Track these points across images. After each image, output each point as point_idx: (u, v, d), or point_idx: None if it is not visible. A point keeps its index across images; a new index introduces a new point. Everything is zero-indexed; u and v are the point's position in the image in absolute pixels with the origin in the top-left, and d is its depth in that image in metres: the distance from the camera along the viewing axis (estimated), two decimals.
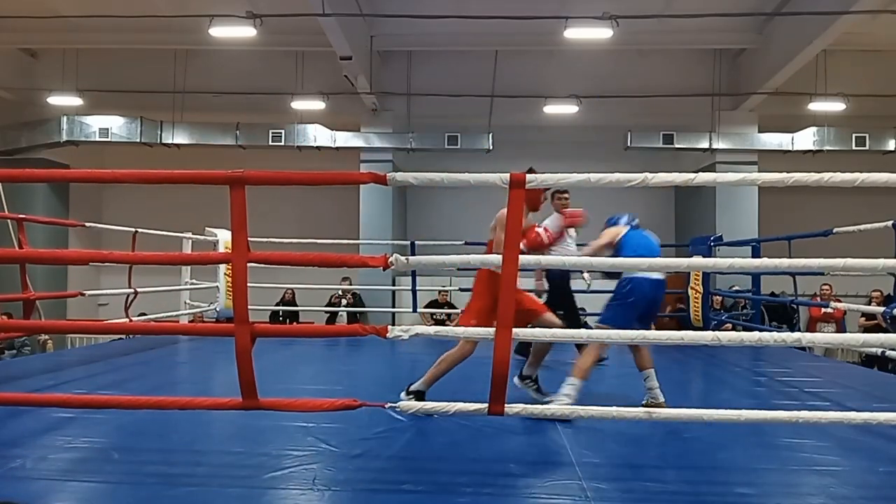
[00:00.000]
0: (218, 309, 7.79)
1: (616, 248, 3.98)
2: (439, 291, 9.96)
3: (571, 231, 5.48)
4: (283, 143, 11.57)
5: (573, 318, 5.73)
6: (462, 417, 2.68)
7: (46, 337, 9.01)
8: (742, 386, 5.07)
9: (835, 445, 3.14)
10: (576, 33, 9.09)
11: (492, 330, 2.55)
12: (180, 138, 11.60)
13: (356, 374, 5.53)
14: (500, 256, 2.58)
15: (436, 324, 9.38)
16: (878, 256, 2.70)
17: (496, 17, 9.03)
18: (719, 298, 9.82)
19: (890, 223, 4.78)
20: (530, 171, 3.00)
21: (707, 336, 2.64)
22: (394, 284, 11.13)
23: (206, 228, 7.85)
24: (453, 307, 10.06)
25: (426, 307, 9.71)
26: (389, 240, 10.96)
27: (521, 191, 2.53)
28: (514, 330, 2.56)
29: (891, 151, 11.04)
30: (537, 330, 2.86)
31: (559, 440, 3.17)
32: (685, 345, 5.72)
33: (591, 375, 3.78)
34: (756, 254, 7.77)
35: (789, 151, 11.32)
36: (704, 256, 8.02)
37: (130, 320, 6.33)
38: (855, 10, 7.98)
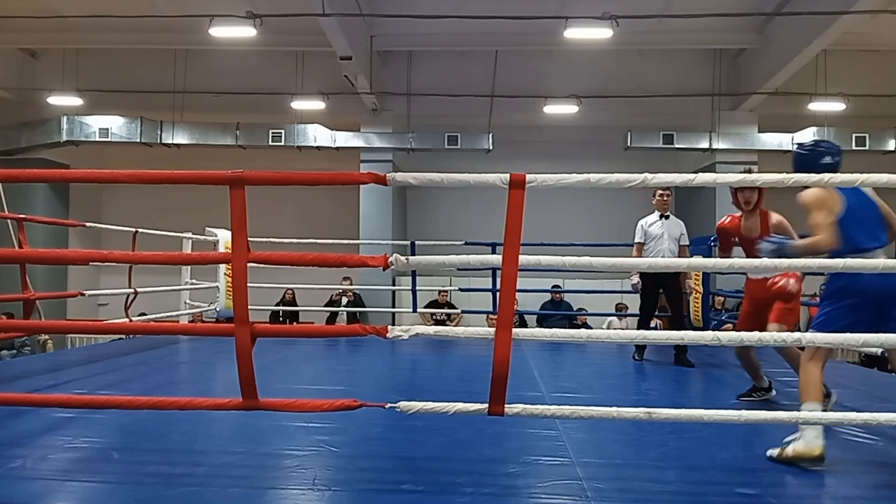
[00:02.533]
0: (218, 309, 7.78)
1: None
2: (439, 292, 9.96)
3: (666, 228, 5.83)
4: (283, 143, 11.57)
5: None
6: (462, 417, 2.67)
7: (46, 337, 9.02)
8: (742, 386, 5.06)
9: (835, 445, 3.14)
10: (576, 33, 9.10)
11: (492, 330, 2.55)
12: (180, 138, 11.60)
13: (356, 374, 5.53)
14: (499, 257, 2.57)
15: (436, 324, 9.37)
16: None
17: (496, 17, 9.03)
18: (720, 298, 9.81)
19: None
20: None
21: (707, 336, 2.64)
22: (394, 284, 11.13)
23: (206, 228, 7.85)
24: (453, 307, 10.06)
25: (426, 307, 9.71)
26: (389, 240, 10.96)
27: (521, 191, 2.53)
28: (514, 330, 2.56)
29: (891, 151, 11.05)
30: (537, 330, 2.85)
31: (559, 440, 3.17)
32: (685, 345, 5.72)
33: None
34: None
35: (789, 151, 11.31)
36: (704, 256, 8.01)
37: (130, 320, 6.33)
38: (855, 10, 7.99)
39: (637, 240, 5.91)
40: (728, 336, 2.63)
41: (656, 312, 6.26)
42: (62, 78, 11.42)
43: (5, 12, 9.48)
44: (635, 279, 6.03)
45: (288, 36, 10.36)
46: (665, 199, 5.87)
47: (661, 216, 5.87)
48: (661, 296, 6.01)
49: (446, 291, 9.91)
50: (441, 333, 2.80)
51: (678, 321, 5.92)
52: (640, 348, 6.07)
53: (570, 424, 3.37)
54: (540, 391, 4.45)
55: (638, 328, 6.39)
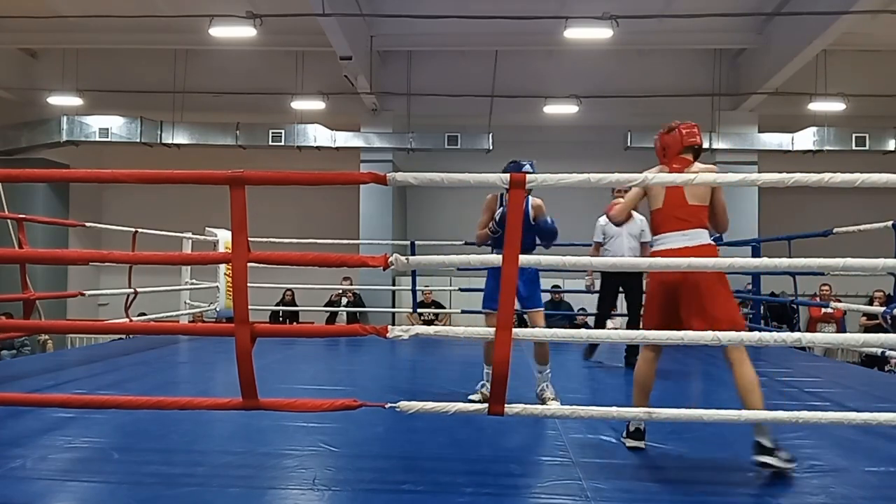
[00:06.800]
0: (218, 309, 7.78)
1: None
2: (422, 292, 9.82)
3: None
4: (283, 143, 11.57)
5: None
6: (462, 417, 2.67)
7: (46, 337, 9.01)
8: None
9: (835, 445, 3.14)
10: (576, 33, 9.10)
11: (492, 330, 2.55)
12: (180, 138, 11.60)
13: (356, 374, 5.53)
14: (499, 257, 2.56)
15: (424, 324, 9.34)
16: (878, 256, 2.69)
17: (496, 17, 9.03)
18: None
19: (890, 223, 4.78)
20: None
21: (707, 336, 2.63)
22: (394, 284, 11.13)
23: (206, 228, 7.85)
24: (441, 306, 10.07)
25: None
26: (389, 240, 10.96)
27: (521, 190, 2.53)
28: (514, 330, 2.56)
29: (891, 151, 11.04)
30: (537, 330, 2.85)
31: (559, 440, 3.17)
32: (685, 345, 5.72)
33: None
34: (756, 254, 7.76)
35: (789, 151, 11.31)
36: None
37: (130, 320, 6.33)
38: (855, 10, 7.98)
39: (595, 239, 5.73)
40: (728, 336, 2.63)
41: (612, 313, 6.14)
42: (62, 78, 11.42)
43: (5, 12, 9.48)
44: (590, 280, 5.95)
45: (288, 36, 10.36)
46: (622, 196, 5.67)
47: None
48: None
49: (430, 291, 9.90)
50: (441, 333, 2.80)
51: (637, 322, 5.84)
52: (592, 347, 5.91)
53: (570, 424, 3.37)
54: None
55: (595, 328, 6.27)
